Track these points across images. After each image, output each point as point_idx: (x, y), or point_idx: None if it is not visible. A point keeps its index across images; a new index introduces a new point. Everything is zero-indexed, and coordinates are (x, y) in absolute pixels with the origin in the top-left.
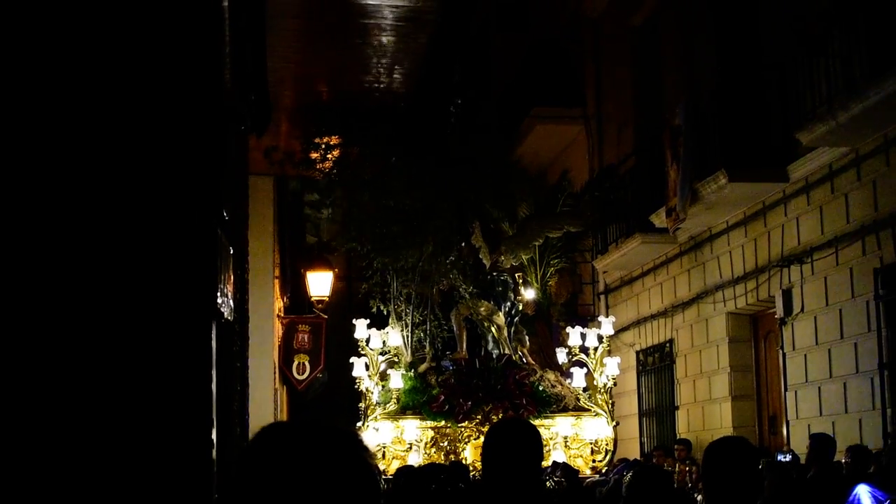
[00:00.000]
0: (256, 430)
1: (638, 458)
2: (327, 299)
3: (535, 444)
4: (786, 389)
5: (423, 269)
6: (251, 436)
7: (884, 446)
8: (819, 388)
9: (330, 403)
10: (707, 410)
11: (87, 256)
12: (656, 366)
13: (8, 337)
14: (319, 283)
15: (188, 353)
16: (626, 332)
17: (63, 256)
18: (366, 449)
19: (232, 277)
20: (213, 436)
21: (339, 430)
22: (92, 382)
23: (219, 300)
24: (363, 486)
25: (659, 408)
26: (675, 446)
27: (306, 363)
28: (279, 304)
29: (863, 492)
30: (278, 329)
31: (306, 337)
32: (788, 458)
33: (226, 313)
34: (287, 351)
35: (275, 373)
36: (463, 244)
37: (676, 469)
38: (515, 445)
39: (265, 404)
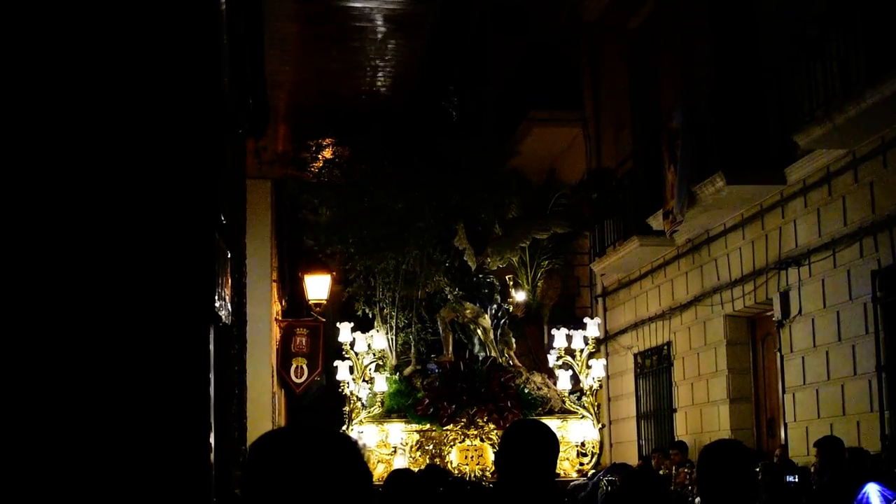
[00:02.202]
0: (255, 437)
1: (637, 461)
2: (325, 302)
3: (550, 445)
4: (784, 392)
5: (406, 272)
6: (249, 440)
7: (882, 449)
8: (817, 390)
9: (328, 406)
10: (705, 413)
11: (86, 261)
12: (654, 368)
13: (7, 341)
14: (317, 287)
15: (186, 357)
16: (624, 335)
17: (61, 261)
18: (358, 450)
19: (230, 281)
20: (211, 439)
21: (333, 432)
22: (90, 386)
23: (216, 304)
24: (357, 484)
25: (657, 410)
26: (671, 451)
27: (304, 366)
28: (277, 308)
29: (872, 490)
30: (276, 332)
31: (304, 340)
32: (796, 478)
33: (223, 317)
34: (285, 354)
35: (273, 376)
36: (451, 249)
37: (673, 472)
38: (530, 446)
39: (263, 408)
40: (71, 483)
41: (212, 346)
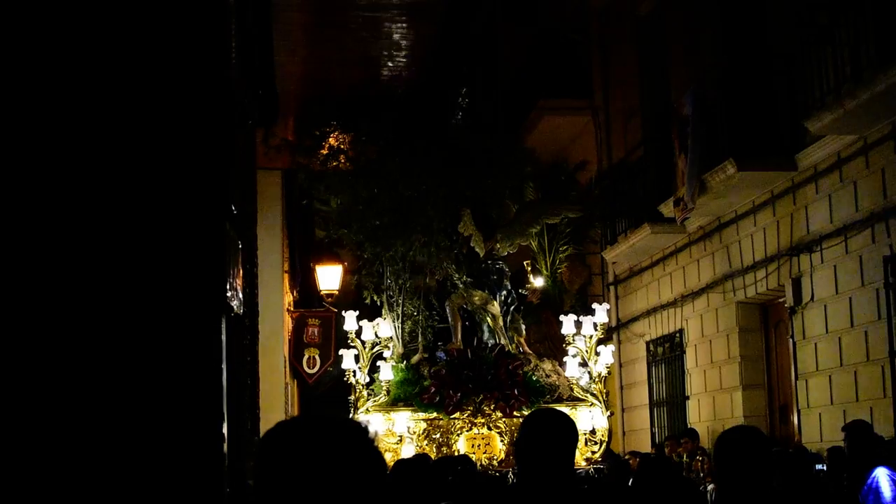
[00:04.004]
0: (268, 427)
1: (650, 448)
2: (337, 293)
3: (569, 434)
4: (796, 378)
5: (413, 260)
6: (262, 431)
7: (895, 434)
8: (829, 376)
9: (341, 397)
10: (718, 400)
11: (98, 252)
12: (667, 356)
13: (20, 333)
14: (329, 277)
15: (198, 348)
16: (637, 323)
17: (74, 252)
18: (370, 437)
19: (241, 271)
20: (224, 430)
21: (345, 420)
22: (104, 377)
23: (228, 294)
24: (370, 471)
25: (670, 398)
26: (682, 440)
27: (316, 357)
28: (289, 298)
29: (881, 475)
30: (288, 323)
31: (316, 331)
32: (824, 467)
33: (235, 307)
34: (297, 345)
35: (285, 367)
36: (459, 235)
37: (685, 459)
38: (548, 436)
39: (276, 398)
40: (85, 474)
41: (224, 337)
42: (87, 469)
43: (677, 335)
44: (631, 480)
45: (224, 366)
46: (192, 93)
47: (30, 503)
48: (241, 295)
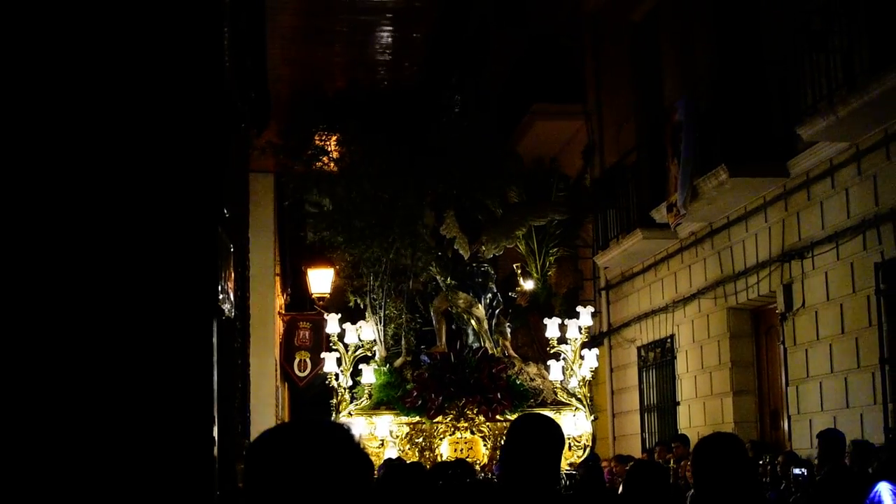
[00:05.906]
0: (258, 430)
1: (640, 454)
2: (328, 296)
3: (555, 440)
4: (787, 385)
5: (393, 262)
6: (253, 434)
7: (885, 441)
8: (820, 383)
9: (331, 401)
10: (708, 406)
11: (89, 255)
12: (657, 361)
13: (12, 336)
14: (320, 280)
15: (189, 351)
16: (628, 328)
17: (65, 254)
18: (356, 440)
19: (233, 275)
20: (215, 433)
21: (331, 424)
22: (94, 380)
23: (220, 297)
24: (356, 474)
25: (660, 403)
26: (672, 444)
27: (307, 360)
28: (280, 301)
29: (884, 489)
30: (279, 326)
31: (307, 334)
32: (804, 471)
33: (227, 310)
34: (288, 348)
35: (276, 370)
36: (443, 237)
37: (672, 465)
38: (533, 441)
39: (266, 402)
40: (76, 477)
41: (215, 340)
42: (79, 470)
43: (668, 340)
44: (622, 485)
45: (215, 369)
46: (185, 95)
47: None
48: (232, 298)
